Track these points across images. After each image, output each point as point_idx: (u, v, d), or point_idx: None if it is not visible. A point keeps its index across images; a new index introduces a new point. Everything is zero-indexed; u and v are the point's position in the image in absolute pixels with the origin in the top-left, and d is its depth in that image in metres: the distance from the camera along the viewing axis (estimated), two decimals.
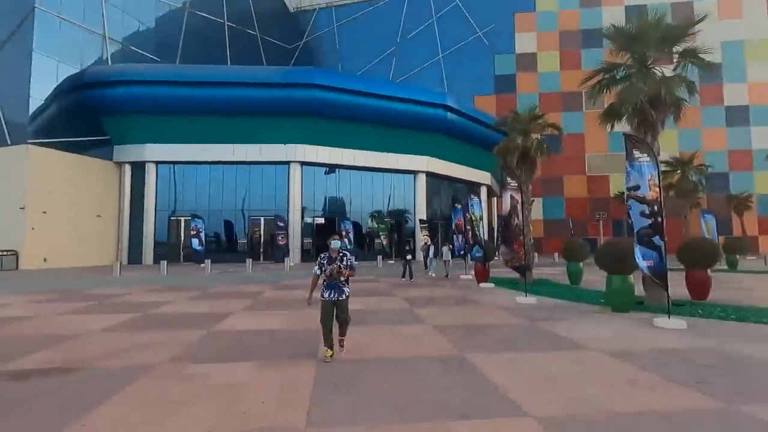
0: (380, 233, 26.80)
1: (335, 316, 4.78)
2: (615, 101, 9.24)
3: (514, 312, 8.06)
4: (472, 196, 16.21)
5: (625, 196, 7.43)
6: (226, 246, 25.20)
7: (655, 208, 6.52)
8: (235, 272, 17.99)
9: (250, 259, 19.93)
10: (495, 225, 32.50)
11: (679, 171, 25.09)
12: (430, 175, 27.68)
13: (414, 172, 27.20)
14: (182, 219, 24.45)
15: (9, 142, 20.70)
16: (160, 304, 9.20)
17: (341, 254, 4.85)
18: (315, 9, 44.04)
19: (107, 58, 24.42)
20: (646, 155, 6.76)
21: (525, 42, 37.89)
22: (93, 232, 22.80)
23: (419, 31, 40.15)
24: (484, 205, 32.12)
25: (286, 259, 20.46)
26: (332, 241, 4.88)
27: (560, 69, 36.67)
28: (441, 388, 3.87)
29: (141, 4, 27.10)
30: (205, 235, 23.70)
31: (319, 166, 25.33)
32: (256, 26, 37.90)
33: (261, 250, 25.03)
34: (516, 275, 12.06)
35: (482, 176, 31.03)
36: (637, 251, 6.86)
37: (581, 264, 12.83)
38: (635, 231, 6.86)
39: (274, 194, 24.78)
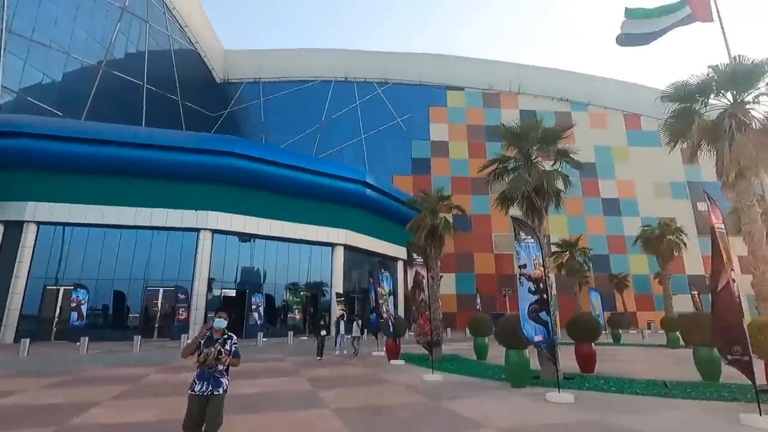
0: (294, 307, 25.63)
1: (205, 418, 3.74)
2: (506, 188, 10.41)
3: (419, 390, 7.91)
4: (382, 270, 16.43)
5: (517, 274, 8.08)
6: (114, 321, 22.10)
7: (540, 285, 7.14)
8: (121, 351, 15.66)
9: (139, 337, 17.55)
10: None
11: (567, 252, 28.18)
12: (348, 248, 27.82)
13: (332, 245, 27.16)
14: (61, 288, 21.22)
15: None
16: (5, 394, 7.53)
17: (225, 336, 4.01)
18: (242, 82, 45.19)
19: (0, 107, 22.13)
20: (530, 237, 7.55)
21: (438, 131, 42.12)
22: None
23: (343, 113, 42.79)
24: (401, 279, 32.84)
25: (183, 335, 18.38)
26: (217, 319, 4.05)
27: (468, 157, 40.85)
28: None
29: (48, 57, 25.61)
30: (90, 308, 20.62)
31: (232, 235, 24.22)
32: (178, 92, 37.52)
33: (156, 325, 22.31)
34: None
35: (399, 251, 31.94)
36: (528, 326, 7.32)
37: (487, 339, 13.28)
38: (525, 307, 7.38)
39: (178, 263, 22.81)
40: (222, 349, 3.91)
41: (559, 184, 10.42)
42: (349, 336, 15.41)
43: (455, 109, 43.02)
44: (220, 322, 4.07)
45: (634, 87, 44.69)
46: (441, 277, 14.27)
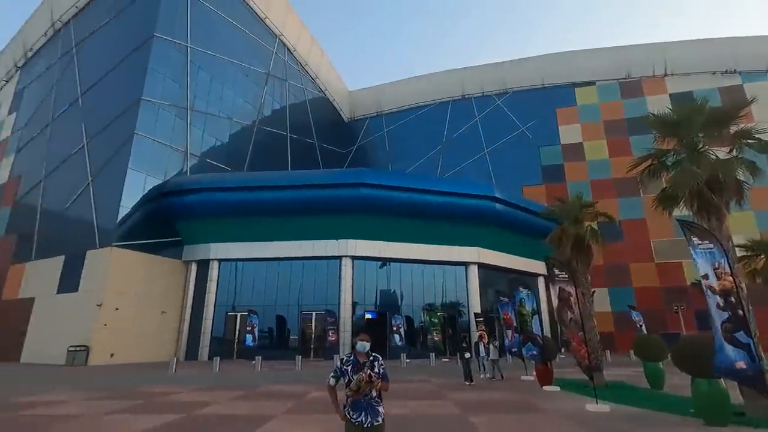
0: (432, 328, 25.68)
1: None
2: (668, 186, 8.88)
3: (582, 422, 7.05)
4: (521, 289, 15.35)
5: (705, 288, 6.69)
6: (277, 342, 25.18)
7: (731, 298, 5.80)
8: (285, 370, 17.65)
9: (300, 357, 19.62)
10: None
11: (761, 255, 22.54)
12: (483, 266, 27.01)
13: (465, 264, 26.73)
14: (239, 314, 25.14)
15: (98, 245, 23.29)
16: (204, 404, 9.09)
17: (371, 359, 3.68)
18: (367, 117, 48.75)
19: (187, 170, 27.87)
20: (708, 241, 6.24)
21: (569, 133, 38.66)
22: (156, 329, 23.93)
23: (463, 131, 42.60)
24: (543, 296, 30.34)
25: (335, 356, 19.90)
26: (359, 343, 3.77)
27: (609, 156, 36.44)
28: None
29: (218, 124, 31.51)
30: (259, 330, 24.00)
31: (369, 260, 25.71)
32: (314, 135, 42.26)
33: (312, 346, 24.67)
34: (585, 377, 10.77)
35: (537, 266, 29.73)
36: (726, 350, 5.96)
37: (661, 364, 11.28)
38: (717, 327, 6.05)
39: (326, 289, 25.11)
40: (372, 373, 3.53)
41: (741, 175, 8.50)
42: (487, 358, 14.61)
43: (587, 107, 39.06)
44: (363, 345, 3.76)
45: None
46: (594, 292, 12.72)
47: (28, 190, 30.78)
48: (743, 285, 7.04)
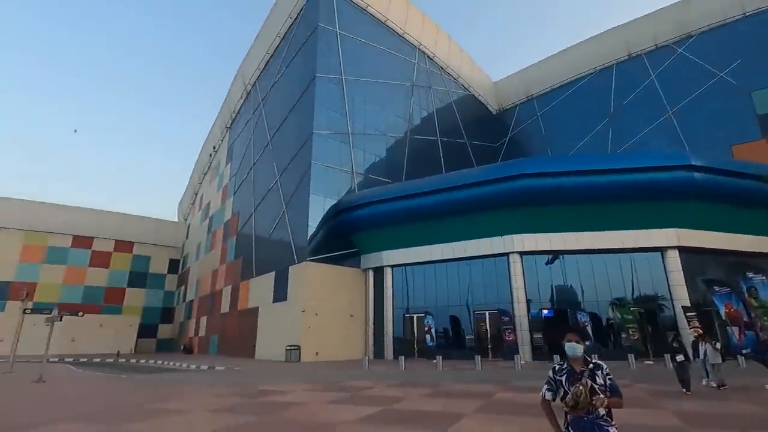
0: (626, 326, 22.39)
1: None
2: None
3: None
4: (749, 274, 12.03)
5: None
6: (453, 341, 25.68)
7: None
8: (465, 369, 17.87)
9: (479, 356, 19.58)
10: None
11: None
12: (685, 251, 22.45)
13: (661, 249, 22.66)
14: (415, 316, 26.61)
15: (296, 261, 27.88)
16: (398, 399, 9.87)
17: (591, 367, 3.01)
18: (516, 106, 46.20)
19: (354, 188, 31.13)
20: None
21: None
22: (348, 330, 27.20)
23: (636, 95, 36.49)
24: None
25: (516, 356, 19.19)
26: (567, 344, 3.11)
27: None
28: None
29: (375, 142, 34.33)
30: (435, 330, 24.94)
31: (539, 254, 24.13)
32: (464, 134, 42.14)
33: (489, 346, 24.36)
34: None
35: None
36: None
37: None
38: None
39: (495, 288, 24.55)
40: (594, 385, 2.91)
41: None
42: (701, 361, 11.84)
43: None
44: (573, 348, 3.08)
45: None
46: None
47: (244, 223, 38.86)
48: None
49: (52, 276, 49.47)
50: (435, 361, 19.99)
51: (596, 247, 23.14)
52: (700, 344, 12.09)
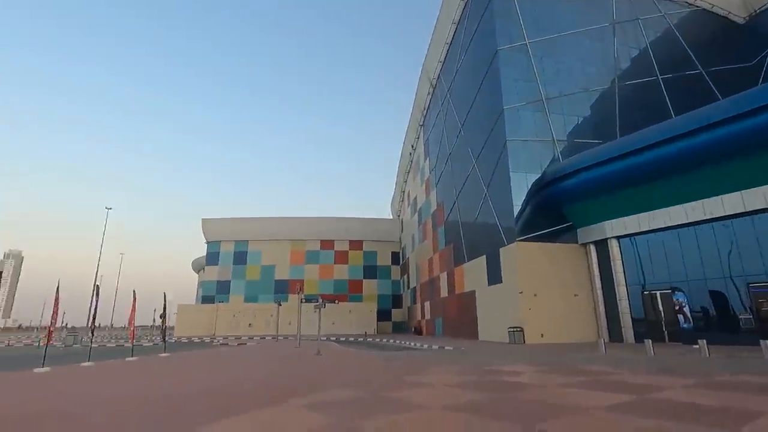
0: None
1: None
2: None
3: None
4: None
5: None
6: (719, 322, 20.53)
7: None
8: (745, 358, 14.07)
9: (765, 341, 15.04)
10: None
11: None
12: None
13: None
14: (657, 293, 22.52)
15: (505, 242, 27.42)
16: (656, 389, 8.49)
17: None
18: None
19: (558, 157, 28.44)
20: None
21: None
22: (573, 310, 25.13)
23: None
24: None
25: None
26: None
27: None
28: None
29: (576, 102, 30.47)
30: (690, 309, 20.48)
31: None
32: (696, 63, 33.11)
33: None
34: None
35: None
36: None
37: None
38: None
39: None
40: None
41: None
42: None
43: None
44: None
45: None
46: None
47: (449, 212, 40.59)
48: None
49: (311, 273, 63.44)
50: (696, 346, 16.42)
51: None
52: None
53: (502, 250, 27.88)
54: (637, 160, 22.15)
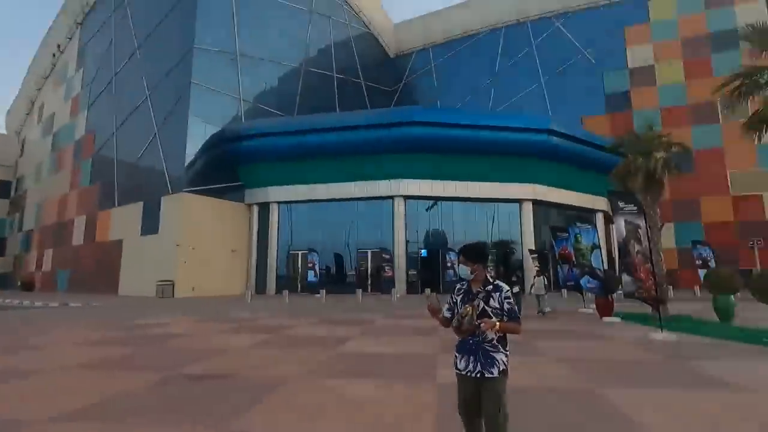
0: (487, 265, 26.06)
1: (483, 407, 2.60)
2: (762, 107, 8.10)
3: (650, 348, 7.23)
4: (578, 224, 15.06)
5: None
6: (336, 277, 26.84)
7: None
8: (347, 302, 19.03)
9: (360, 290, 20.95)
10: (616, 254, 29.35)
11: None
12: (538, 203, 26.48)
13: (519, 201, 26.29)
14: (300, 253, 26.84)
15: (170, 191, 25.26)
16: (288, 327, 10.21)
17: (490, 288, 2.69)
18: (413, 51, 46.56)
19: (241, 116, 28.73)
20: None
21: (639, 55, 34.86)
22: (228, 266, 26.27)
23: (517, 59, 39.76)
24: (601, 232, 29.43)
25: (392, 290, 21.06)
26: (460, 267, 2.80)
27: (685, 79, 32.83)
28: (575, 425, 3.70)
29: (266, 68, 31.62)
30: (319, 267, 25.67)
31: (421, 199, 26.01)
32: (360, 74, 41.34)
33: (368, 282, 26.11)
34: (647, 309, 10.76)
35: (597, 202, 28.64)
36: None
37: (732, 297, 10.97)
38: None
39: (379, 228, 25.97)
40: (486, 307, 2.64)
41: None
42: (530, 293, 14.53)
43: (663, 23, 34.63)
44: (463, 270, 2.77)
45: None
46: (662, 225, 12.28)
47: (103, 144, 33.30)
48: None
49: None
50: (318, 295, 20.82)
51: (471, 196, 25.79)
52: (535, 279, 14.66)
53: (164, 199, 25.56)
54: (308, 139, 25.49)
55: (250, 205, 28.15)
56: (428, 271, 25.46)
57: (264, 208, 27.84)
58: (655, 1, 35.14)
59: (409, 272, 25.63)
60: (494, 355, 2.61)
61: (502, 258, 26.84)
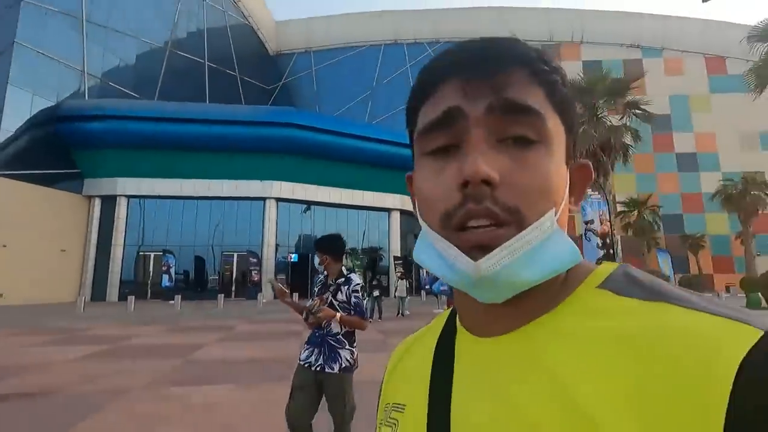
0: (355, 269, 26.86)
1: (328, 402, 2.55)
2: None
3: None
4: None
5: (584, 230, 8.13)
6: (196, 282, 24.65)
7: (607, 240, 7.22)
8: (207, 309, 17.64)
9: (222, 295, 19.61)
10: None
11: (635, 211, 26.81)
12: (405, 213, 28.41)
13: (388, 210, 27.86)
14: (152, 254, 23.91)
15: None
16: (130, 336, 9.04)
17: (341, 281, 2.69)
18: (294, 53, 45.89)
19: (84, 92, 24.52)
20: (597, 192, 7.54)
21: None
22: (56, 267, 21.92)
23: (394, 77, 42.34)
24: None
25: (258, 295, 20.21)
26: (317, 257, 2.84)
27: None
28: None
29: (123, 42, 27.66)
30: (176, 271, 23.20)
31: (294, 203, 25.65)
32: (236, 67, 39.02)
33: (233, 287, 24.59)
34: None
35: None
36: None
37: None
38: (593, 261, 7.51)
39: (248, 230, 24.74)
40: (334, 300, 2.63)
41: (628, 140, 10.03)
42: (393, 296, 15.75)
43: None
44: (316, 262, 2.87)
45: (719, 25, 39.69)
46: None
47: None
48: (618, 235, 8.64)
49: None
50: (172, 301, 18.83)
51: (342, 202, 26.40)
52: (398, 282, 15.87)
53: None
54: (172, 128, 22.93)
55: (90, 198, 24.03)
56: (298, 275, 25.13)
57: (109, 201, 24.05)
58: None
59: (278, 277, 24.92)
60: (339, 350, 2.56)
61: (370, 264, 28.03)
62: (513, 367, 0.35)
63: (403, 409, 0.44)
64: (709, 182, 35.44)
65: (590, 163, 0.42)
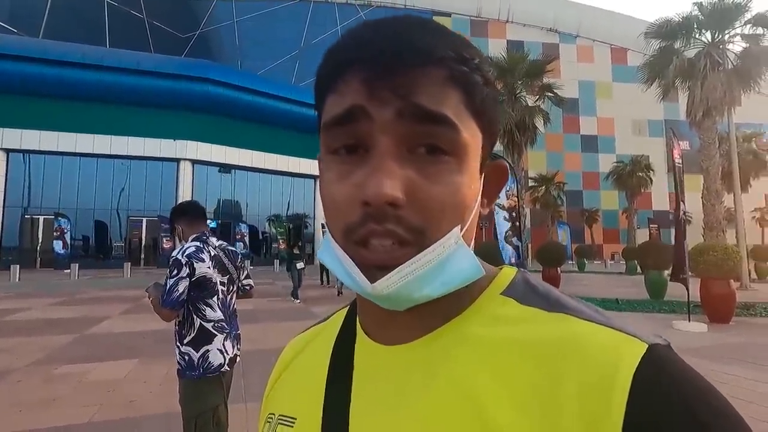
0: (279, 237, 26.23)
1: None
2: None
3: None
4: None
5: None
6: (98, 250, 22.38)
7: (513, 214, 7.82)
8: (110, 278, 16.18)
9: (129, 264, 18.06)
10: None
11: (543, 187, 29.32)
12: None
13: (314, 177, 27.28)
14: (42, 218, 21.09)
15: None
16: (17, 310, 8.01)
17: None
18: None
19: None
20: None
21: None
22: None
23: (323, 38, 40.54)
24: None
25: None
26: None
27: None
28: None
29: None
30: (72, 237, 20.75)
31: (213, 166, 24.02)
32: (143, 8, 34.53)
33: (142, 255, 22.74)
34: None
35: None
36: (505, 250, 8.10)
37: None
38: (502, 233, 8.11)
39: (159, 194, 22.73)
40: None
41: (539, 123, 10.76)
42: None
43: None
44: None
45: (623, 18, 43.48)
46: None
47: None
48: (527, 208, 9.38)
49: None
50: (68, 270, 16.96)
51: (265, 167, 25.27)
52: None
53: None
54: (65, 73, 19.82)
55: None
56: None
57: None
58: (437, 18, 41.25)
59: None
60: (177, 347, 2.10)
61: (295, 231, 27.52)
62: (417, 375, 0.34)
63: (293, 423, 0.39)
64: (606, 163, 39.69)
65: (506, 164, 0.41)
